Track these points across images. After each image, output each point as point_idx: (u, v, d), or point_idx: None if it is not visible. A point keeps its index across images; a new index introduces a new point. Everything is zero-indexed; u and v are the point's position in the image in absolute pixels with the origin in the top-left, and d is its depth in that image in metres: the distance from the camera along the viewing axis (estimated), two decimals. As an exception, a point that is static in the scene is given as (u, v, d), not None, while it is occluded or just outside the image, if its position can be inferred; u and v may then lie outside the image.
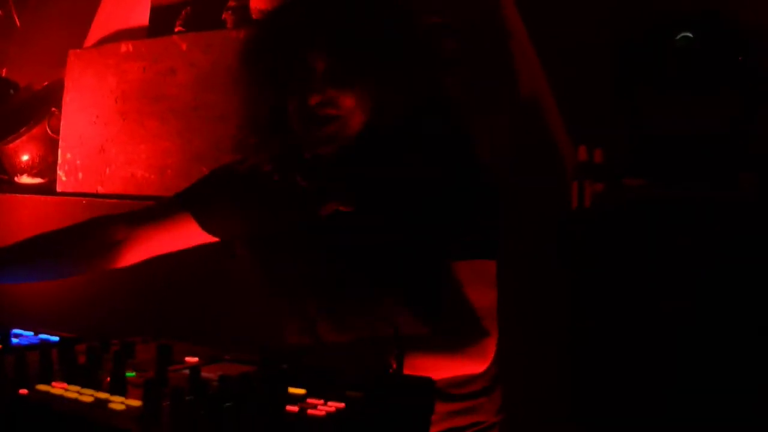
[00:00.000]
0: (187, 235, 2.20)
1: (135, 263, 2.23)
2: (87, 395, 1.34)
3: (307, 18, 1.93)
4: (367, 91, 1.91)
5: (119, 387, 1.38)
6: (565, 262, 2.72)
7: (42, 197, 3.91)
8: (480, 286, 1.93)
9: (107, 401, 1.32)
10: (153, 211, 2.26)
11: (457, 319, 1.91)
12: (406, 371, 1.57)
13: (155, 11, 3.92)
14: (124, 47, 3.71)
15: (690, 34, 2.81)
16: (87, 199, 3.70)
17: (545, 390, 2.73)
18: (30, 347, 1.80)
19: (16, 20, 5.17)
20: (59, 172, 3.88)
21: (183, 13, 3.69)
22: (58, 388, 1.39)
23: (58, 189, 3.88)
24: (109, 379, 1.40)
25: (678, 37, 2.84)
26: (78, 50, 3.97)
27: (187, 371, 1.42)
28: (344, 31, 1.89)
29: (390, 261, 1.94)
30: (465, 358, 1.92)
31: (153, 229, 2.20)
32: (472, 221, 1.94)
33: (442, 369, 1.88)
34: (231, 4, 3.51)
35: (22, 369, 1.48)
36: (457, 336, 1.91)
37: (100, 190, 3.72)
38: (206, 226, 2.19)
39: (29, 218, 3.89)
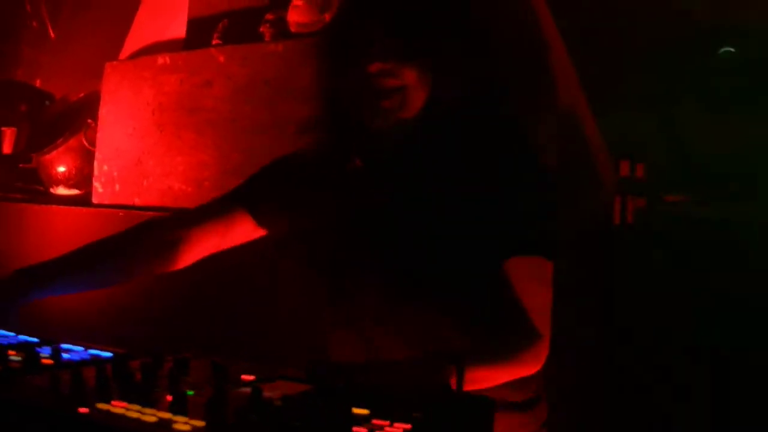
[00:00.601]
0: (242, 232, 2.19)
1: (188, 265, 2.22)
2: (149, 415, 1.34)
3: None
4: (427, 67, 1.91)
5: (180, 406, 1.37)
6: (606, 277, 2.70)
7: (78, 209, 3.92)
8: (536, 284, 1.93)
9: (171, 421, 1.31)
10: (208, 208, 2.25)
11: (512, 320, 1.90)
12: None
13: (192, 24, 3.93)
14: (161, 59, 3.73)
15: (732, 49, 2.79)
16: (124, 211, 3.70)
17: (583, 408, 2.71)
18: (83, 363, 1.81)
19: (50, 31, 5.20)
20: (95, 184, 3.89)
21: (220, 25, 3.69)
22: (118, 407, 1.38)
23: (94, 200, 3.89)
24: (171, 397, 1.39)
25: (720, 51, 2.82)
26: (114, 62, 3.99)
27: (248, 390, 1.41)
28: (407, 5, 1.89)
29: (450, 262, 1.92)
30: (518, 361, 1.91)
31: (208, 227, 2.19)
32: (531, 217, 1.93)
33: (496, 375, 1.87)
34: (269, 17, 3.51)
35: (79, 386, 1.48)
36: (511, 337, 1.90)
37: (137, 202, 3.73)
38: (261, 221, 2.18)
39: (65, 229, 3.90)
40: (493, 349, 1.88)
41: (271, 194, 2.19)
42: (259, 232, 2.22)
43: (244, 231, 2.19)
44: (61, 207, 4.00)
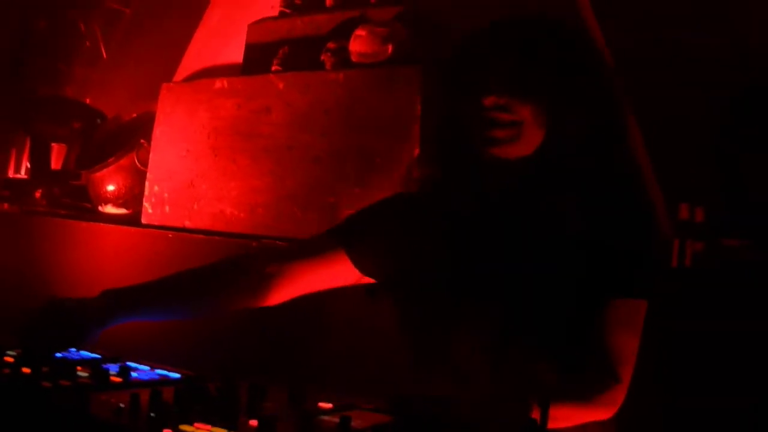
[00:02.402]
0: (339, 273, 2.13)
1: (283, 301, 2.15)
2: (237, 439, 1.32)
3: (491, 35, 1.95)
4: (544, 105, 1.90)
5: (270, 431, 1.35)
6: (663, 319, 2.68)
7: (126, 228, 3.91)
8: (627, 330, 1.90)
9: (260, 447, 1.29)
10: (306, 245, 2.19)
11: (598, 363, 1.88)
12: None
13: (249, 49, 3.93)
14: (219, 83, 3.73)
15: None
16: (173, 233, 3.69)
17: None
18: (155, 383, 1.79)
19: (103, 51, 5.24)
20: (145, 204, 3.88)
21: (280, 52, 3.69)
22: (203, 430, 1.36)
23: (144, 221, 3.88)
24: (256, 422, 1.37)
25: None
26: (170, 84, 3.99)
27: (333, 418, 1.39)
28: (526, 46, 1.90)
29: (548, 301, 1.90)
30: (595, 403, 1.88)
31: (306, 265, 2.13)
32: (631, 257, 1.91)
33: (572, 415, 1.84)
34: (330, 46, 3.50)
35: (159, 406, 1.46)
36: (593, 380, 1.88)
37: (187, 224, 3.72)
38: (359, 265, 2.12)
39: (113, 248, 3.90)
40: (573, 389, 1.86)
41: (369, 236, 2.14)
42: (357, 277, 2.15)
43: (343, 272, 2.13)
44: (109, 225, 4.00)
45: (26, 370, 1.73)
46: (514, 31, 1.96)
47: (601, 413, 1.90)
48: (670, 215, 2.82)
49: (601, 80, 1.96)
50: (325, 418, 1.46)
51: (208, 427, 1.37)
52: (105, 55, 5.28)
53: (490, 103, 1.88)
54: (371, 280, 2.15)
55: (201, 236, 3.59)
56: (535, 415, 1.49)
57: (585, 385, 1.88)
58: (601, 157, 1.93)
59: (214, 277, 2.15)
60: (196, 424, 1.39)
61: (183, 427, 1.37)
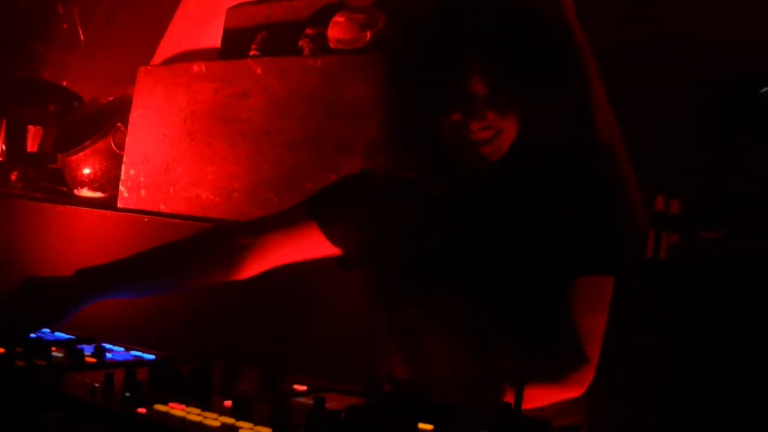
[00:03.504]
0: (311, 244, 2.14)
1: (257, 273, 2.18)
2: (211, 419, 1.32)
3: (461, 39, 1.89)
4: (520, 109, 1.91)
5: (243, 412, 1.35)
6: (638, 311, 2.69)
7: (102, 212, 3.90)
8: (592, 308, 1.93)
9: (235, 427, 1.29)
10: (278, 218, 2.21)
11: (564, 342, 1.91)
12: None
13: (228, 34, 3.93)
14: (197, 67, 3.72)
15: (773, 89, 2.80)
16: (149, 217, 3.68)
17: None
18: (129, 363, 1.79)
19: (81, 34, 5.21)
20: (121, 188, 3.87)
21: (258, 37, 3.68)
22: (177, 410, 1.37)
23: (119, 205, 3.87)
24: (230, 403, 1.38)
25: (762, 91, 2.82)
26: (148, 67, 3.97)
27: (307, 400, 1.39)
28: (501, 53, 1.87)
29: (513, 285, 1.92)
30: (565, 384, 1.91)
31: (278, 236, 2.14)
32: (591, 236, 1.93)
33: (541, 395, 1.85)
34: (309, 31, 3.50)
35: (133, 386, 1.46)
36: (559, 359, 1.91)
37: (163, 209, 3.71)
38: (330, 236, 2.15)
39: (88, 231, 3.89)
40: (540, 369, 1.87)
41: (341, 207, 2.16)
42: (329, 248, 2.17)
43: (314, 243, 2.15)
44: (85, 209, 3.98)
45: (0, 350, 1.73)
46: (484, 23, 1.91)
47: (571, 392, 1.92)
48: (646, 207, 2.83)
49: (573, 70, 1.97)
50: (300, 399, 1.47)
51: (182, 406, 1.38)
52: (83, 38, 5.25)
53: (477, 126, 1.89)
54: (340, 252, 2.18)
55: (176, 221, 3.58)
56: (509, 398, 1.51)
57: (554, 365, 1.90)
58: (565, 139, 1.94)
59: (187, 252, 2.16)
60: (170, 404, 1.39)
61: (157, 406, 1.38)
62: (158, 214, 3.70)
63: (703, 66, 2.90)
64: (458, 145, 1.93)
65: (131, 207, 3.82)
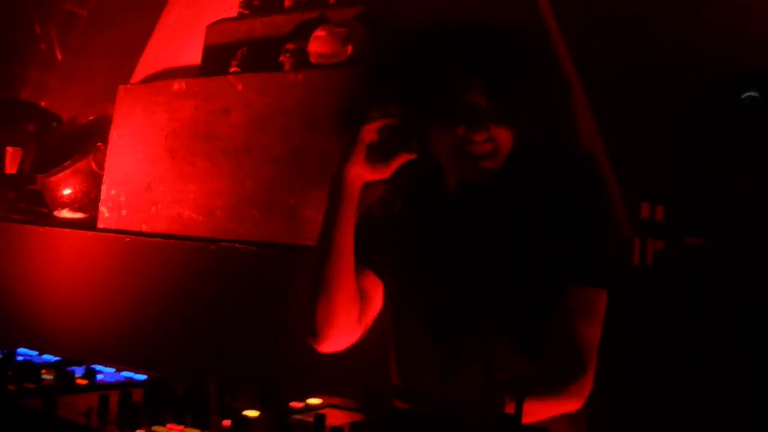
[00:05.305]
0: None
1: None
2: (211, 439, 1.30)
3: (458, 55, 1.93)
4: (516, 122, 1.93)
5: (241, 430, 1.33)
6: (624, 318, 2.69)
7: (82, 232, 3.86)
8: (585, 319, 1.92)
9: (236, 446, 1.28)
10: None
11: (562, 355, 1.90)
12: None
13: (208, 50, 3.91)
14: (177, 85, 3.69)
15: (756, 94, 2.80)
16: (130, 237, 3.65)
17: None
18: (121, 384, 1.77)
19: (58, 54, 5.19)
20: (102, 208, 3.84)
21: (239, 53, 3.66)
22: (175, 431, 1.35)
23: (100, 225, 3.83)
24: (229, 422, 1.36)
25: (743, 96, 2.83)
26: (127, 86, 3.95)
27: (308, 417, 1.38)
28: (499, 68, 1.90)
29: (508, 297, 1.93)
30: (563, 397, 1.90)
31: None
32: (584, 246, 1.94)
33: (541, 409, 1.84)
34: (289, 46, 3.49)
35: (129, 408, 1.44)
36: (558, 373, 1.89)
37: (145, 228, 3.68)
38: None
39: (69, 252, 3.85)
40: (538, 381, 1.87)
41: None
42: None
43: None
44: (65, 230, 3.94)
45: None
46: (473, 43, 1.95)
47: (569, 405, 1.91)
48: (631, 214, 2.84)
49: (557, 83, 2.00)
50: (300, 417, 1.45)
51: (181, 427, 1.36)
52: (60, 58, 5.23)
53: (481, 138, 1.91)
54: None
55: (158, 240, 3.55)
56: (509, 410, 1.50)
57: (550, 377, 1.89)
58: (551, 151, 1.96)
59: None
60: (168, 425, 1.37)
61: (156, 428, 1.36)
62: (140, 233, 3.67)
63: (684, 72, 2.91)
64: (460, 160, 1.95)
65: (112, 227, 3.78)
